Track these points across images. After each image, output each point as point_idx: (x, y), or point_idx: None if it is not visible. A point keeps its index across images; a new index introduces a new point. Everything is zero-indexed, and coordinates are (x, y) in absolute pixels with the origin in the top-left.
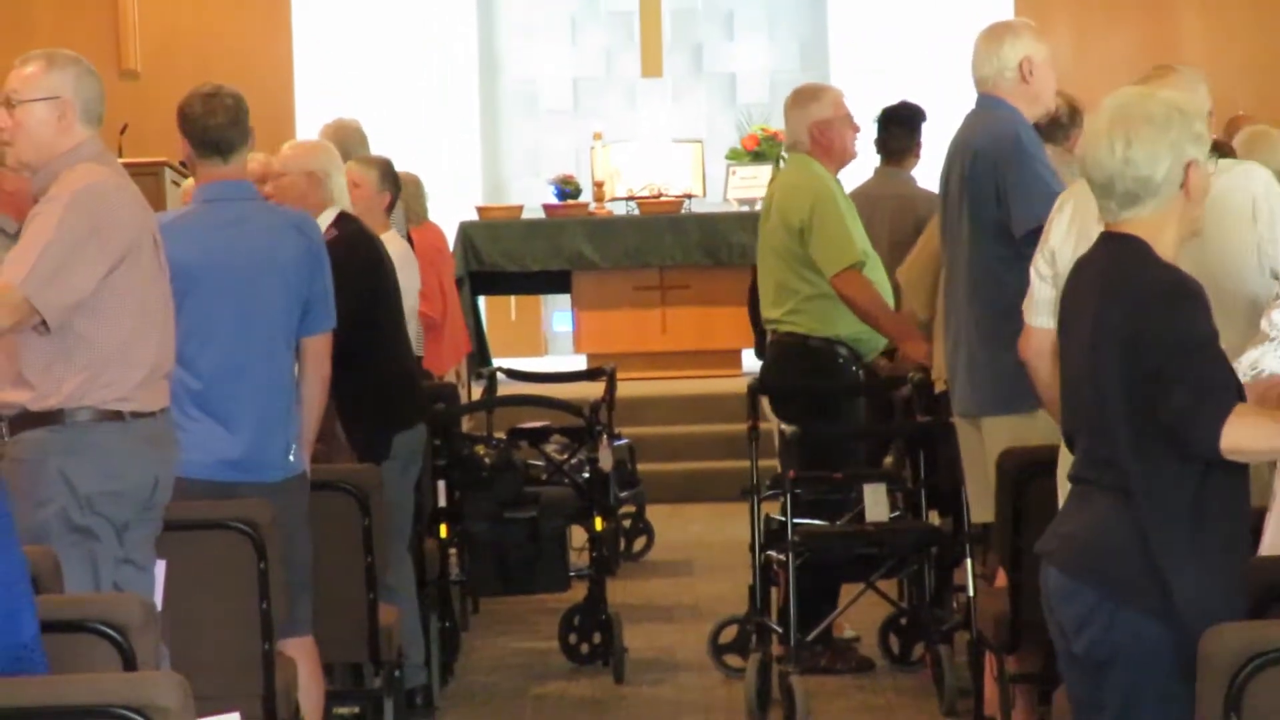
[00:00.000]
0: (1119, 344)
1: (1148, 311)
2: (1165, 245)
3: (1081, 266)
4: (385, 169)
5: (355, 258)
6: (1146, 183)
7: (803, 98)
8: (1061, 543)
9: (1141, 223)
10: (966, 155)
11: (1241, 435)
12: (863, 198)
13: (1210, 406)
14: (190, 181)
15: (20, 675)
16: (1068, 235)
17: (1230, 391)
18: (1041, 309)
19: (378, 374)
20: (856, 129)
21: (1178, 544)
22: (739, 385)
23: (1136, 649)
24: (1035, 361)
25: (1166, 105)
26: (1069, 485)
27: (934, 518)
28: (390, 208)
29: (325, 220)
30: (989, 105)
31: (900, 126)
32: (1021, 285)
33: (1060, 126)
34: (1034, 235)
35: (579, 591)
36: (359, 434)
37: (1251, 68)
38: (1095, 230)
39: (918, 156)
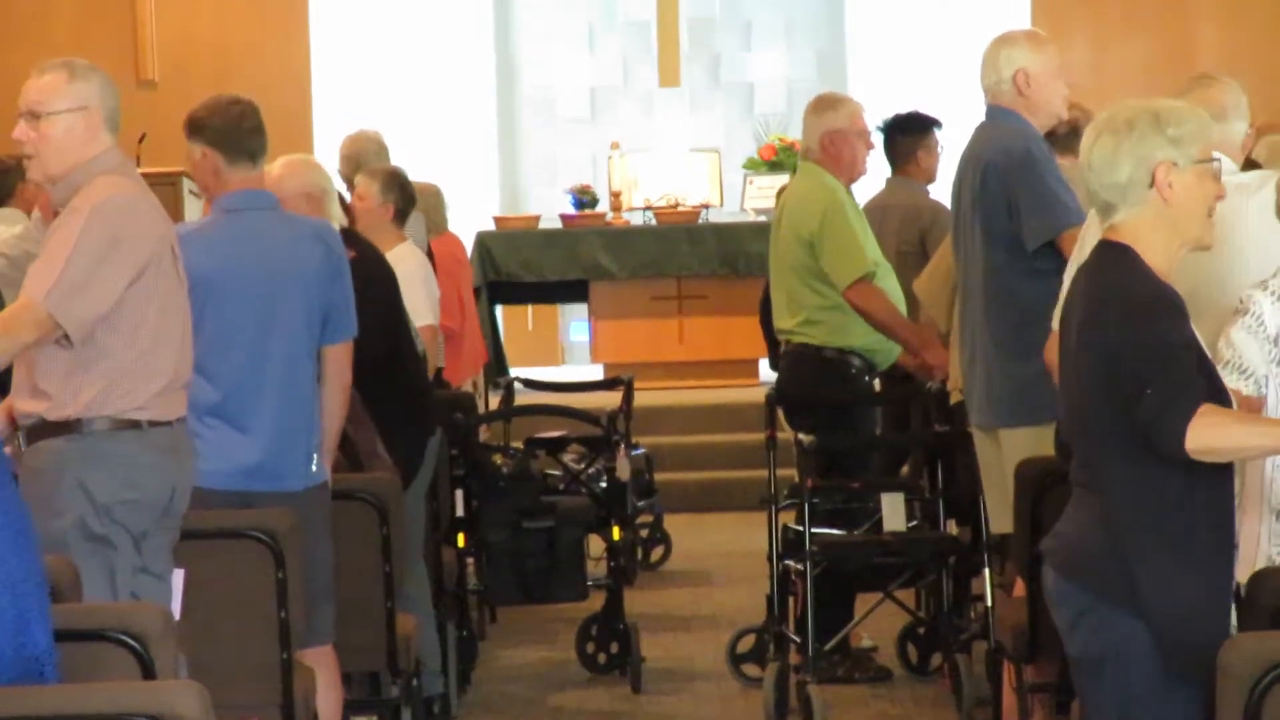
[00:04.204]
0: (1098, 352)
1: (1124, 321)
2: (1155, 252)
3: (1077, 275)
4: (388, 180)
5: (376, 273)
6: (1111, 188)
7: (821, 105)
8: (1057, 544)
9: (1127, 229)
10: (977, 168)
11: (1206, 435)
12: (872, 208)
13: (1177, 408)
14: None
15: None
16: None
17: (1198, 394)
18: None
19: (409, 384)
20: (870, 145)
21: (1153, 547)
22: (756, 395)
23: (1126, 649)
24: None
25: (1137, 110)
26: None
27: (952, 527)
28: (397, 218)
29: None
30: (998, 117)
31: (903, 134)
32: (1035, 297)
33: (1077, 137)
34: (1046, 248)
35: (596, 601)
36: (400, 446)
37: (1269, 78)
38: None
39: (919, 161)
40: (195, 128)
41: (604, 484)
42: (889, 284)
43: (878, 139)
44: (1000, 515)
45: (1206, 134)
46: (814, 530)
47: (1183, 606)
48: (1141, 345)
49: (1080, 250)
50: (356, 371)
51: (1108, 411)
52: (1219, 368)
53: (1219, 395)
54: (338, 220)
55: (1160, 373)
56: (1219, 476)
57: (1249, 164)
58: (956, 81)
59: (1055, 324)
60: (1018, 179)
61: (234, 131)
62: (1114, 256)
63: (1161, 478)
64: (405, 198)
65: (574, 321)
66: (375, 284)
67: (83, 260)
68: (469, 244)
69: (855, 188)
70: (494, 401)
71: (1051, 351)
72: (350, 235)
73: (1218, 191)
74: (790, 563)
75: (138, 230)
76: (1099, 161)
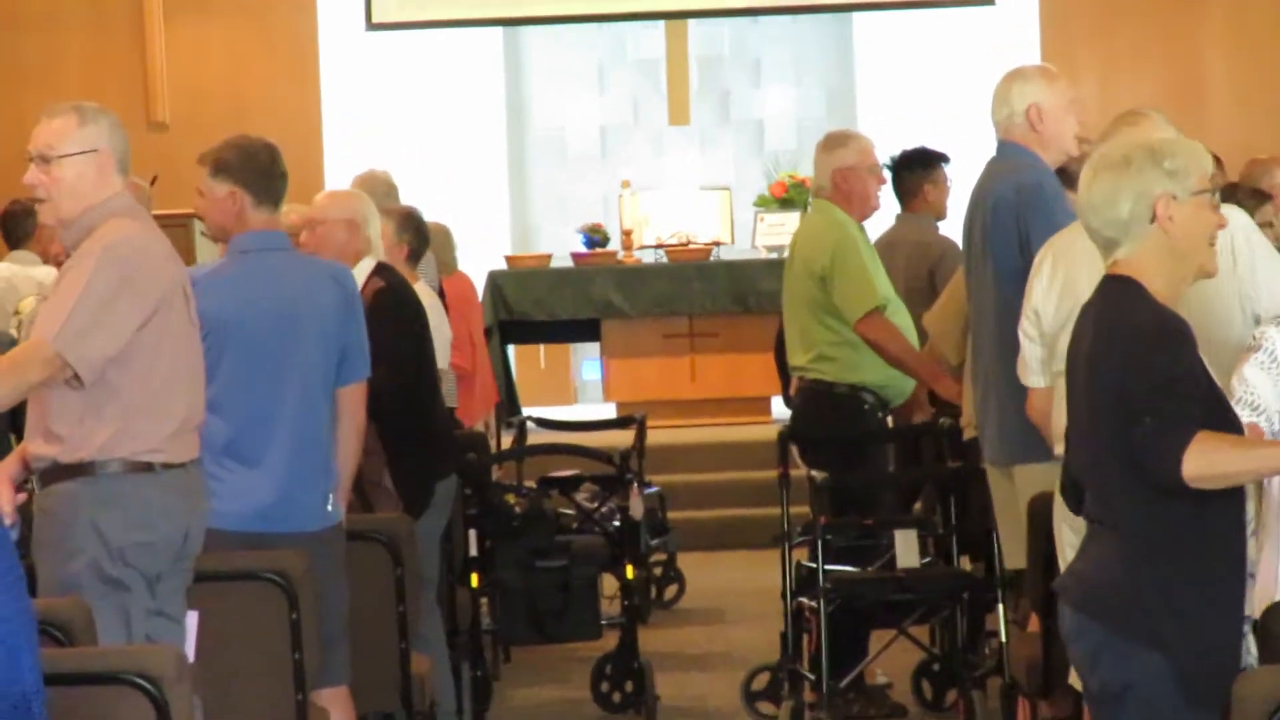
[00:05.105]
0: (1109, 386)
1: (1132, 352)
2: (1160, 284)
3: (1083, 313)
4: (404, 220)
5: (405, 307)
6: (1113, 223)
7: (831, 143)
8: (1073, 581)
9: (1131, 263)
10: (988, 203)
11: (1202, 462)
12: (882, 245)
13: (1173, 436)
14: None
15: None
16: (1049, 292)
17: (1194, 423)
18: (1034, 368)
19: (425, 422)
20: (882, 180)
21: (1170, 580)
22: (769, 432)
23: (1146, 683)
24: (1043, 421)
25: (1132, 146)
26: (1062, 527)
27: (965, 563)
28: (411, 258)
29: (365, 269)
30: (1009, 153)
31: (909, 170)
32: None
33: None
34: None
35: (610, 640)
36: (407, 483)
37: (1278, 109)
38: (1080, 278)
39: (934, 199)
40: (223, 167)
41: (617, 522)
42: (900, 320)
43: (888, 174)
44: (1014, 551)
45: (1203, 164)
46: (828, 567)
47: (1202, 638)
48: (1145, 373)
49: (1031, 291)
50: (374, 400)
51: (1119, 445)
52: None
53: (1228, 422)
54: (378, 250)
55: (1160, 400)
56: (1231, 506)
57: (1254, 194)
58: (966, 118)
59: (1026, 380)
60: (1029, 214)
61: (265, 175)
62: (1119, 290)
63: (1175, 510)
64: (420, 238)
65: (586, 360)
66: (402, 315)
67: (93, 301)
68: (480, 283)
69: (867, 224)
70: (506, 441)
71: (1034, 410)
72: (383, 268)
73: (1218, 220)
74: (804, 600)
75: (149, 272)
76: (1099, 199)
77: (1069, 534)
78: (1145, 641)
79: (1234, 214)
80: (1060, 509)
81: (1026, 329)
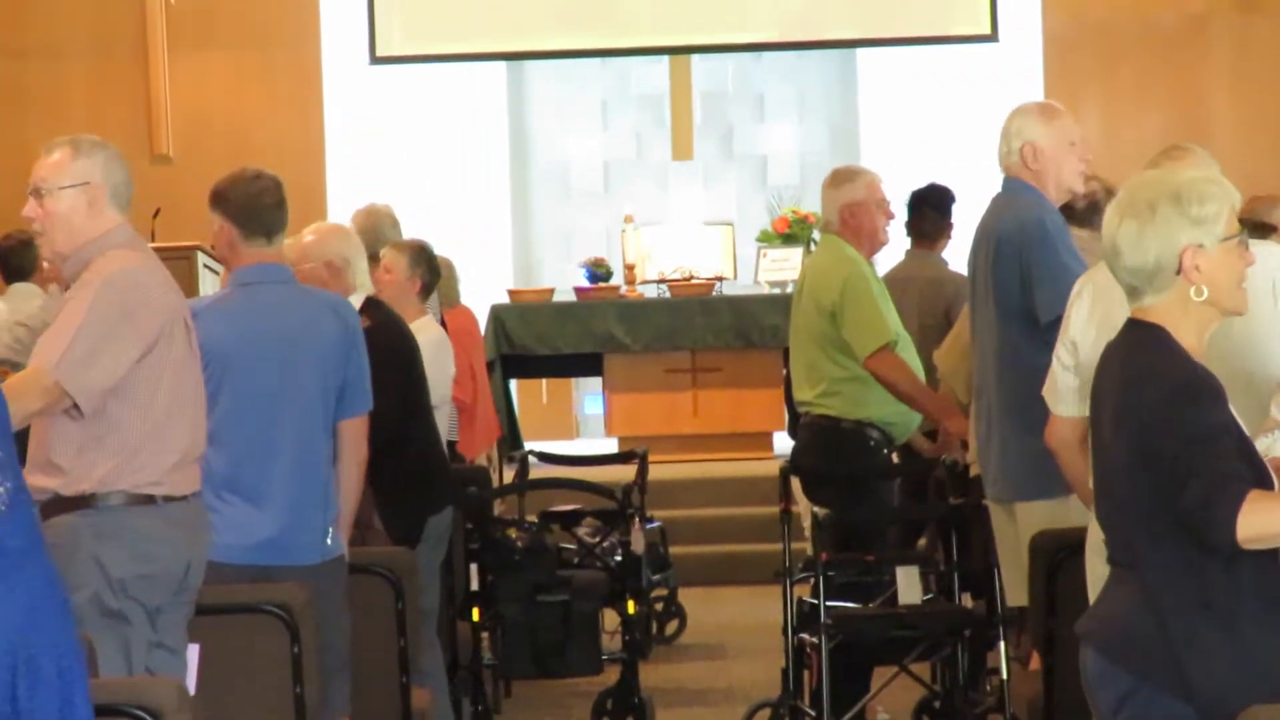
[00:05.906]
0: (1135, 435)
1: (1161, 405)
2: (1186, 333)
3: (1108, 353)
4: (416, 254)
5: (395, 344)
6: (1138, 273)
7: (838, 178)
8: (1098, 625)
9: (1156, 310)
10: (991, 239)
11: (1257, 523)
12: (894, 281)
13: (1224, 499)
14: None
15: None
16: (1088, 323)
17: (1244, 482)
18: (1065, 397)
19: (417, 457)
20: (890, 215)
21: (1200, 629)
22: (771, 468)
23: None
24: (1061, 450)
25: (1158, 191)
26: (1095, 561)
27: (967, 600)
28: (423, 292)
29: (353, 305)
30: (1013, 189)
31: (931, 209)
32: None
33: (1096, 211)
34: (1059, 321)
35: (611, 675)
36: (396, 518)
37: None
38: (1118, 312)
39: (948, 238)
40: (216, 199)
41: (619, 557)
42: (909, 356)
43: (897, 209)
44: (1015, 588)
45: (1231, 205)
46: (829, 603)
47: (1232, 688)
48: (1181, 431)
49: (1069, 319)
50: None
51: (1146, 494)
52: (1272, 434)
53: (1260, 476)
54: (365, 288)
55: (1202, 460)
56: (1262, 553)
57: (1259, 228)
58: (969, 155)
59: (1054, 407)
60: (1031, 251)
61: (252, 207)
62: (1146, 337)
63: (1205, 558)
64: (432, 272)
65: (588, 394)
66: (392, 353)
67: (92, 331)
68: (483, 317)
69: (875, 257)
70: (508, 475)
71: (1052, 436)
72: (371, 303)
73: (1248, 260)
74: (805, 636)
75: (148, 303)
76: (1124, 246)
77: (1101, 566)
78: (1174, 690)
79: (1275, 249)
80: (1093, 542)
81: (1062, 357)
